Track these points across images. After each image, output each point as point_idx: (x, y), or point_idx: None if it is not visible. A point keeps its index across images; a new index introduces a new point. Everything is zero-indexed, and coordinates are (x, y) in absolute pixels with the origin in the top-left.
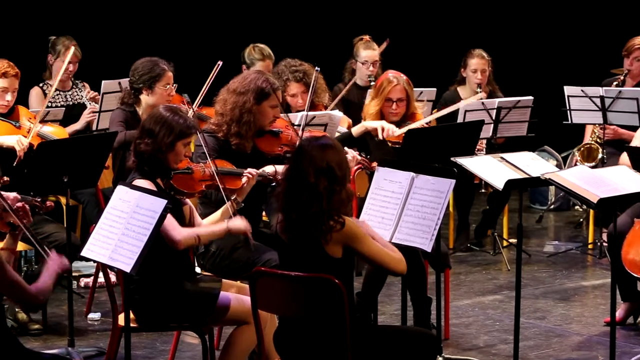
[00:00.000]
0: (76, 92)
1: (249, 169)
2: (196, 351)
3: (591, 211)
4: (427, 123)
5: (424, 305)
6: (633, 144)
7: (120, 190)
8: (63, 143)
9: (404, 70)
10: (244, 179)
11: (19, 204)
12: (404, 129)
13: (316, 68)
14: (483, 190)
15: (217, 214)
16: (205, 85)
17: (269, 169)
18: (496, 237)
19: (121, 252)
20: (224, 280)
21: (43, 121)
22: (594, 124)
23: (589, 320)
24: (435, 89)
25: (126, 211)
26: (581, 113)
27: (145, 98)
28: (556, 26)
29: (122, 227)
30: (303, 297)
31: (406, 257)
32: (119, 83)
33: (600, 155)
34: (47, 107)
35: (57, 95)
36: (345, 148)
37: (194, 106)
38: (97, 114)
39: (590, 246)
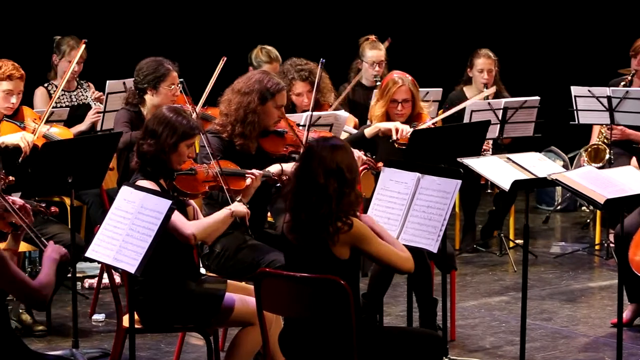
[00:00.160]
0: (81, 92)
1: (253, 170)
2: (201, 352)
3: (598, 212)
4: (433, 124)
5: (429, 306)
6: None
7: (125, 191)
8: (67, 143)
9: (409, 70)
10: (248, 180)
11: (20, 203)
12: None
13: (321, 60)
14: (489, 191)
15: (221, 213)
16: (211, 82)
17: (274, 168)
18: (502, 238)
19: (126, 253)
20: (229, 281)
21: (48, 122)
22: (601, 125)
23: (596, 322)
24: (441, 89)
25: (131, 212)
26: (588, 113)
27: (149, 98)
28: (563, 26)
29: (127, 228)
30: (308, 298)
31: (412, 258)
32: (124, 83)
33: (607, 156)
34: (52, 107)
35: (62, 95)
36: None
37: (198, 106)
38: (102, 114)
39: (597, 247)
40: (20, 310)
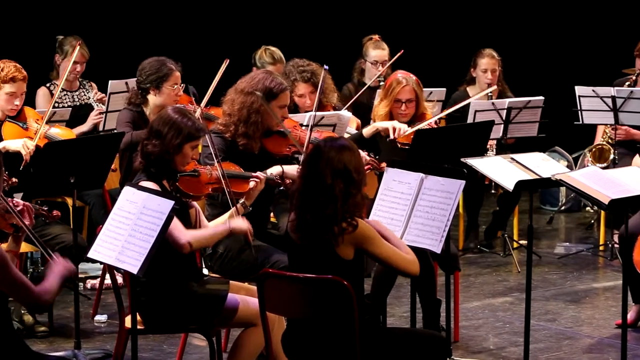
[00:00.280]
0: (83, 92)
1: (258, 173)
2: (203, 353)
3: (602, 212)
4: (435, 122)
5: (433, 307)
6: None
7: (127, 191)
8: (70, 144)
9: (413, 70)
10: (252, 183)
11: (21, 204)
12: (415, 128)
13: (324, 67)
14: (493, 191)
15: (225, 217)
16: (213, 83)
17: (275, 169)
18: (506, 239)
19: (128, 254)
20: (231, 282)
21: (50, 122)
22: (606, 125)
23: (600, 323)
24: (444, 89)
25: (133, 212)
26: (592, 113)
27: (152, 98)
28: (567, 25)
29: (129, 229)
30: (311, 299)
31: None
32: (126, 83)
33: (611, 156)
34: (54, 107)
35: (65, 95)
36: None
37: (201, 106)
38: (104, 114)
39: (601, 248)
40: (22, 311)
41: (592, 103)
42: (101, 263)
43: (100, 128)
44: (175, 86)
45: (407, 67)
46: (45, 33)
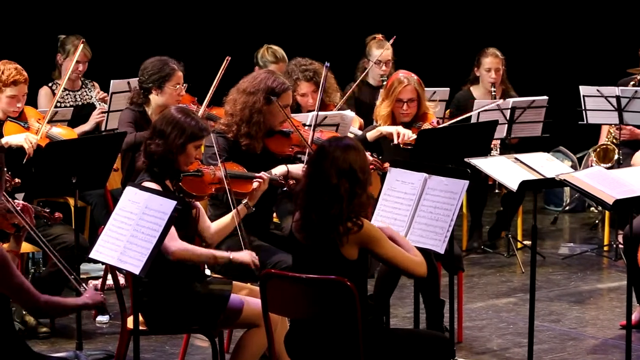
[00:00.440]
0: (85, 92)
1: (262, 173)
2: (206, 354)
3: (607, 213)
4: (438, 122)
5: (436, 308)
6: None
7: (129, 192)
8: (71, 143)
9: (416, 70)
10: (255, 184)
11: (20, 204)
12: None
13: (326, 64)
14: (497, 192)
15: (227, 217)
16: (215, 81)
17: (279, 169)
18: (510, 239)
19: (130, 254)
20: (234, 282)
21: (51, 122)
22: (610, 125)
23: (605, 324)
24: (448, 88)
25: (135, 212)
26: (597, 113)
27: (154, 98)
28: (571, 25)
29: (131, 229)
30: (314, 299)
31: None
32: (128, 83)
33: (616, 156)
34: (56, 106)
35: (67, 95)
36: None
37: (203, 106)
38: (106, 114)
39: (605, 248)
40: (24, 312)
41: (596, 103)
42: (103, 263)
43: (103, 128)
44: (178, 86)
45: (410, 66)
46: (48, 32)
